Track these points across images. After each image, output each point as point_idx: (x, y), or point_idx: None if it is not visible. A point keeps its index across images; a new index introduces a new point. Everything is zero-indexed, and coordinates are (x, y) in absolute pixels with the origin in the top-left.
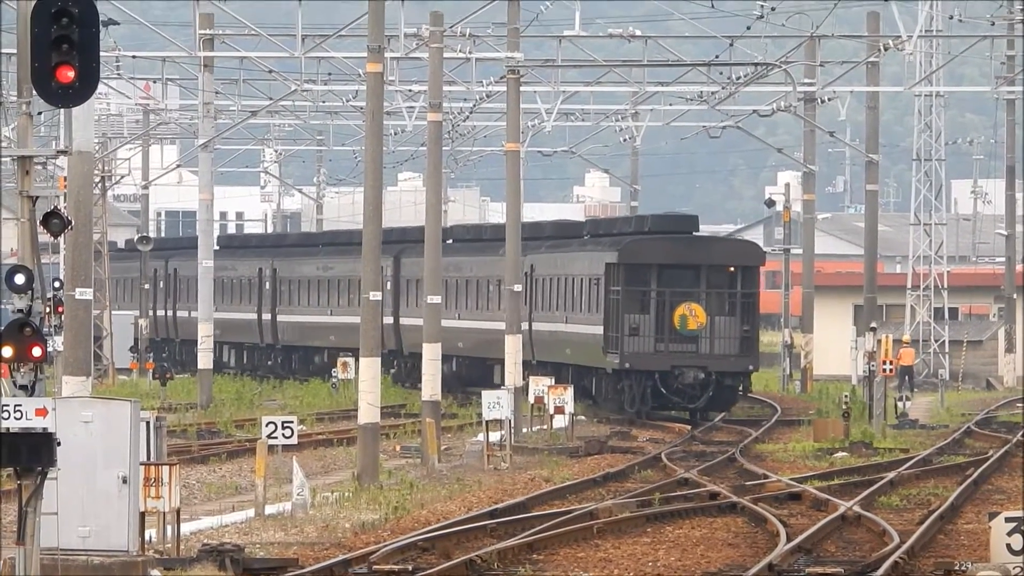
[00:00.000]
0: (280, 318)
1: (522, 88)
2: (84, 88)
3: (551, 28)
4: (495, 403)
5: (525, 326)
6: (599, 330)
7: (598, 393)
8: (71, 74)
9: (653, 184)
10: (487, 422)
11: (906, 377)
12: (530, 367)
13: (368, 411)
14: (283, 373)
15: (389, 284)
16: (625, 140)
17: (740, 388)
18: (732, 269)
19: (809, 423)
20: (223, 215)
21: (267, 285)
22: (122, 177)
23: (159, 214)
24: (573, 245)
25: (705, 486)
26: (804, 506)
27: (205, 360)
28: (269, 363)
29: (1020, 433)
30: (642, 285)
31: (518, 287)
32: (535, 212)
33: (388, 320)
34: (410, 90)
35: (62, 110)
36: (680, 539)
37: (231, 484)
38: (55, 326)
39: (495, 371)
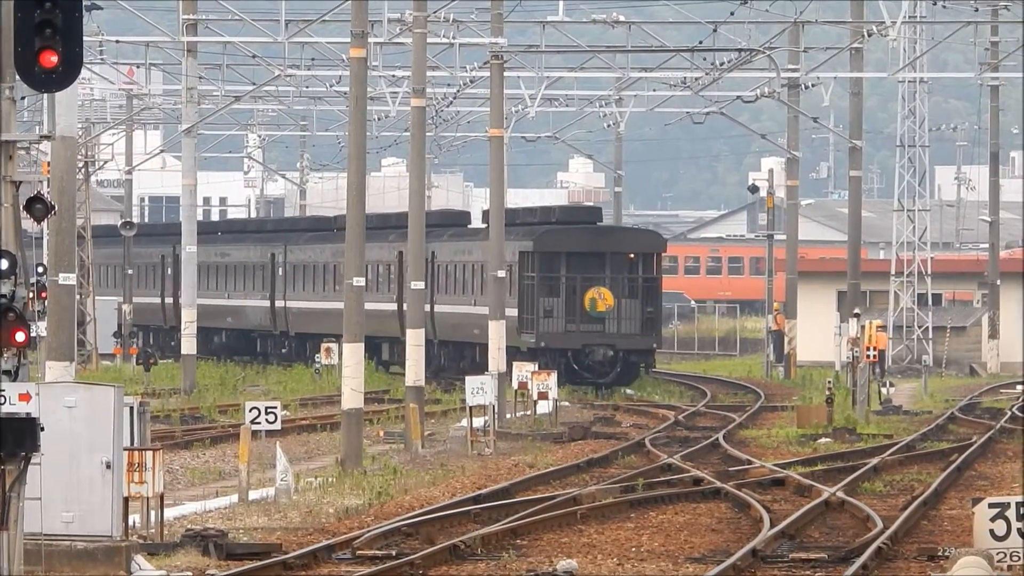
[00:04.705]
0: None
1: (506, 74)
2: (67, 73)
3: (535, 13)
4: (479, 389)
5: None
6: (513, 312)
7: None
8: (54, 59)
9: (637, 170)
10: (471, 408)
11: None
12: (431, 345)
13: (352, 397)
14: None
15: (280, 270)
16: (609, 126)
17: (643, 365)
18: (632, 256)
19: (793, 409)
20: (206, 200)
21: (169, 270)
22: (105, 162)
23: (143, 199)
24: (480, 234)
25: (689, 472)
26: (788, 492)
27: (188, 345)
28: (172, 344)
29: (1004, 419)
30: (554, 271)
31: (502, 273)
32: (519, 198)
33: (279, 303)
34: (393, 75)
35: (45, 95)
36: (664, 524)
37: (214, 469)
38: (38, 311)
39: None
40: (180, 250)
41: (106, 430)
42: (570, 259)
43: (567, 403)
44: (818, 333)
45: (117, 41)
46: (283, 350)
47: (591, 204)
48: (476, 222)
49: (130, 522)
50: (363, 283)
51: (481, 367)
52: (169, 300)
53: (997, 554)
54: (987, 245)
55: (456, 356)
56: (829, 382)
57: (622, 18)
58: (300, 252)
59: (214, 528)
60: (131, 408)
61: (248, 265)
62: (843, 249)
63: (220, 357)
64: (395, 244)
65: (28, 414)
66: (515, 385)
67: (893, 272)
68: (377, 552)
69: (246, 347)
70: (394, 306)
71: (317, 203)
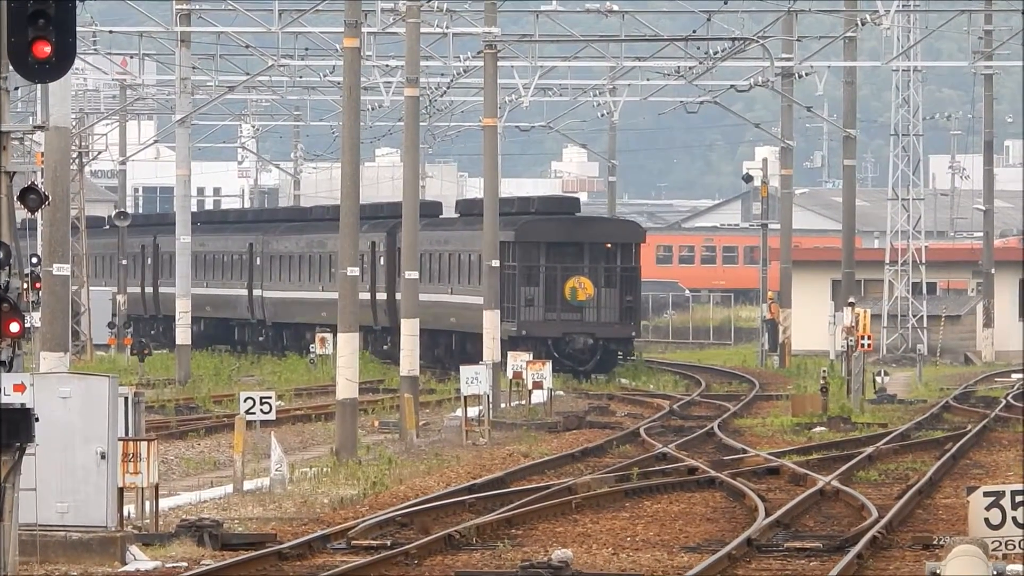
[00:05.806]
0: (161, 290)
1: (499, 63)
2: (61, 63)
3: (528, 3)
4: (473, 378)
5: (388, 296)
6: None
7: None
8: (48, 49)
9: (631, 159)
10: (465, 397)
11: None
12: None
13: (346, 386)
14: (164, 341)
15: (258, 260)
16: (602, 115)
17: (621, 353)
18: (610, 246)
19: (787, 398)
20: (200, 191)
21: (149, 260)
22: (99, 153)
23: (137, 190)
24: (456, 224)
25: (683, 461)
26: (783, 481)
27: (183, 336)
28: (152, 332)
29: (999, 408)
30: (534, 261)
31: (495, 263)
32: (513, 187)
33: (256, 292)
34: (387, 65)
35: (39, 85)
36: (658, 514)
37: (209, 460)
38: (33, 302)
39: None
40: (160, 241)
41: (101, 420)
42: (550, 249)
43: (562, 392)
44: (812, 322)
45: (110, 31)
46: (260, 339)
47: (570, 194)
48: (448, 212)
49: (125, 512)
50: (357, 272)
51: (457, 355)
52: (149, 290)
53: (992, 542)
54: (981, 234)
55: (431, 344)
56: (824, 371)
57: (616, 7)
58: (277, 243)
59: (209, 518)
60: (126, 398)
61: (227, 255)
62: (837, 238)
63: (198, 346)
64: (368, 235)
65: (23, 404)
66: (510, 375)
67: (887, 261)
68: (372, 542)
69: (224, 336)
70: (368, 295)
71: (311, 193)
